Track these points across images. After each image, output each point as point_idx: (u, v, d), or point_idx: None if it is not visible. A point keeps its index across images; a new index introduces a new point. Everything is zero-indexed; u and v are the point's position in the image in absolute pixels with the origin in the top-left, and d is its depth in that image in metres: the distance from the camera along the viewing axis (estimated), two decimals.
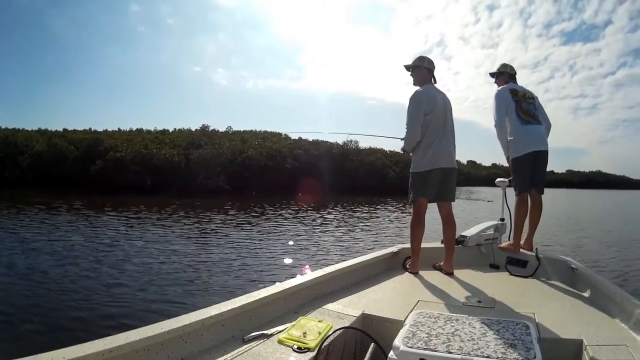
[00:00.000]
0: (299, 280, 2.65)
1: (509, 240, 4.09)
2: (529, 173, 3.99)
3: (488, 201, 27.53)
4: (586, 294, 3.00)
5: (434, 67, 3.66)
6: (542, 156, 4.02)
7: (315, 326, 2.10)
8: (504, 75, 4.31)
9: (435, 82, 3.68)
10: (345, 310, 2.41)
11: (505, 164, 4.32)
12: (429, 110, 3.43)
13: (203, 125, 41.12)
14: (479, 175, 58.25)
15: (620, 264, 9.05)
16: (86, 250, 8.87)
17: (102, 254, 8.52)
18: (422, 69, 3.62)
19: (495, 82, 4.37)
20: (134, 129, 43.12)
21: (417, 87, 3.59)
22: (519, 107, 4.02)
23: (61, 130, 40.57)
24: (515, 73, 4.36)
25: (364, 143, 44.33)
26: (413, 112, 3.46)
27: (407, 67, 3.72)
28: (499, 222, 4.22)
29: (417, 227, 3.50)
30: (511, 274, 3.58)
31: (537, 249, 3.79)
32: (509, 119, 4.05)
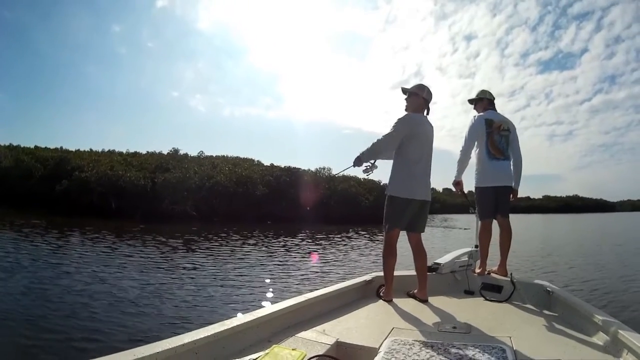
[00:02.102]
0: (272, 308, 2.66)
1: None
2: (492, 203, 4.18)
3: (465, 229, 27.89)
4: (562, 316, 3.09)
5: (431, 99, 3.71)
6: (503, 191, 4.21)
7: (289, 354, 2.09)
8: (483, 101, 4.44)
9: (428, 113, 3.72)
10: (319, 338, 2.41)
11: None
12: (418, 139, 3.51)
13: (173, 148, 40.79)
14: (454, 203, 59.15)
15: (596, 285, 9.36)
16: (40, 274, 8.66)
17: (58, 278, 8.32)
18: (419, 98, 3.66)
19: (474, 109, 4.50)
20: (107, 150, 42.37)
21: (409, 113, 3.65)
22: (489, 140, 4.17)
23: (32, 147, 39.72)
24: (494, 99, 4.48)
25: (337, 170, 44.58)
26: (396, 132, 3.50)
27: (404, 91, 3.74)
28: (473, 249, 4.34)
29: (390, 256, 3.55)
30: (486, 299, 3.66)
31: (511, 273, 3.90)
32: (478, 149, 4.23)
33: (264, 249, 15.21)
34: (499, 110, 4.44)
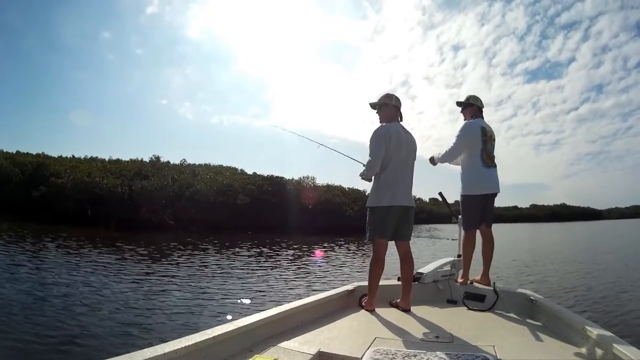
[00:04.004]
0: (253, 318, 2.67)
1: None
2: (479, 212, 4.25)
3: (453, 239, 28.05)
4: (546, 324, 3.16)
5: (401, 104, 3.78)
6: (492, 197, 4.30)
7: None
8: (474, 107, 4.46)
9: (401, 119, 3.79)
10: (301, 348, 2.44)
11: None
12: (392, 147, 3.54)
13: (154, 155, 40.43)
14: (440, 213, 59.46)
15: (581, 293, 9.54)
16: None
17: (15, 283, 8.28)
18: (390, 107, 3.73)
19: (462, 112, 4.53)
20: (89, 157, 41.54)
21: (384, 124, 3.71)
22: (484, 149, 4.23)
23: (14, 152, 38.74)
24: (483, 107, 4.53)
25: (321, 180, 44.52)
26: (375, 146, 3.56)
27: (373, 105, 3.81)
28: (456, 258, 4.42)
29: (377, 267, 3.59)
30: (469, 309, 3.72)
31: (494, 282, 3.97)
32: (470, 157, 4.28)
33: (241, 259, 15.03)
34: (485, 120, 4.52)
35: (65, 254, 13.50)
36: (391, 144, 3.55)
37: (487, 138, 4.28)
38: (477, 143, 4.26)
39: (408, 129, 3.78)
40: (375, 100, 3.83)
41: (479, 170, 4.26)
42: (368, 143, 3.66)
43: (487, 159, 4.26)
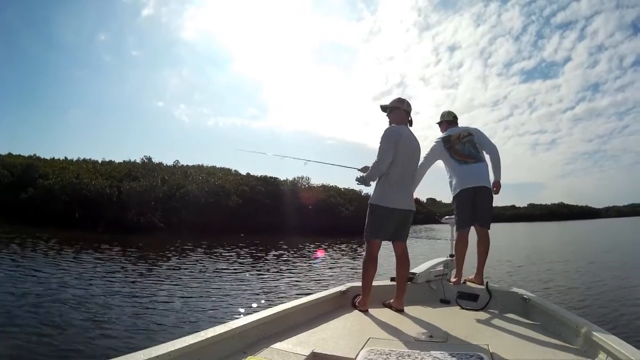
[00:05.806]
0: (247, 319, 2.69)
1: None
2: (468, 210, 4.36)
3: (451, 240, 28.11)
4: (540, 322, 3.21)
5: (411, 109, 3.89)
6: (481, 192, 4.37)
7: None
8: (443, 124, 4.82)
9: (411, 124, 3.90)
10: (295, 349, 2.46)
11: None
12: (402, 149, 3.64)
13: (145, 156, 40.16)
14: (439, 213, 59.38)
15: (576, 292, 9.68)
16: None
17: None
18: (400, 111, 3.84)
19: (440, 130, 4.84)
20: (82, 158, 40.89)
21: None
22: (453, 152, 4.46)
23: (6, 154, 37.89)
24: (455, 117, 4.86)
25: (317, 180, 44.44)
26: (385, 146, 3.64)
27: (384, 108, 3.93)
28: (449, 258, 4.50)
29: (371, 266, 3.65)
30: (463, 308, 3.78)
31: (487, 282, 4.04)
32: (447, 166, 4.54)
33: (231, 262, 14.93)
34: (480, 121, 4.80)
35: (47, 256, 13.41)
36: (401, 146, 3.64)
37: (452, 142, 4.52)
38: (443, 154, 4.53)
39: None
40: (387, 102, 3.96)
41: (456, 170, 4.46)
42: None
43: (460, 157, 4.46)
